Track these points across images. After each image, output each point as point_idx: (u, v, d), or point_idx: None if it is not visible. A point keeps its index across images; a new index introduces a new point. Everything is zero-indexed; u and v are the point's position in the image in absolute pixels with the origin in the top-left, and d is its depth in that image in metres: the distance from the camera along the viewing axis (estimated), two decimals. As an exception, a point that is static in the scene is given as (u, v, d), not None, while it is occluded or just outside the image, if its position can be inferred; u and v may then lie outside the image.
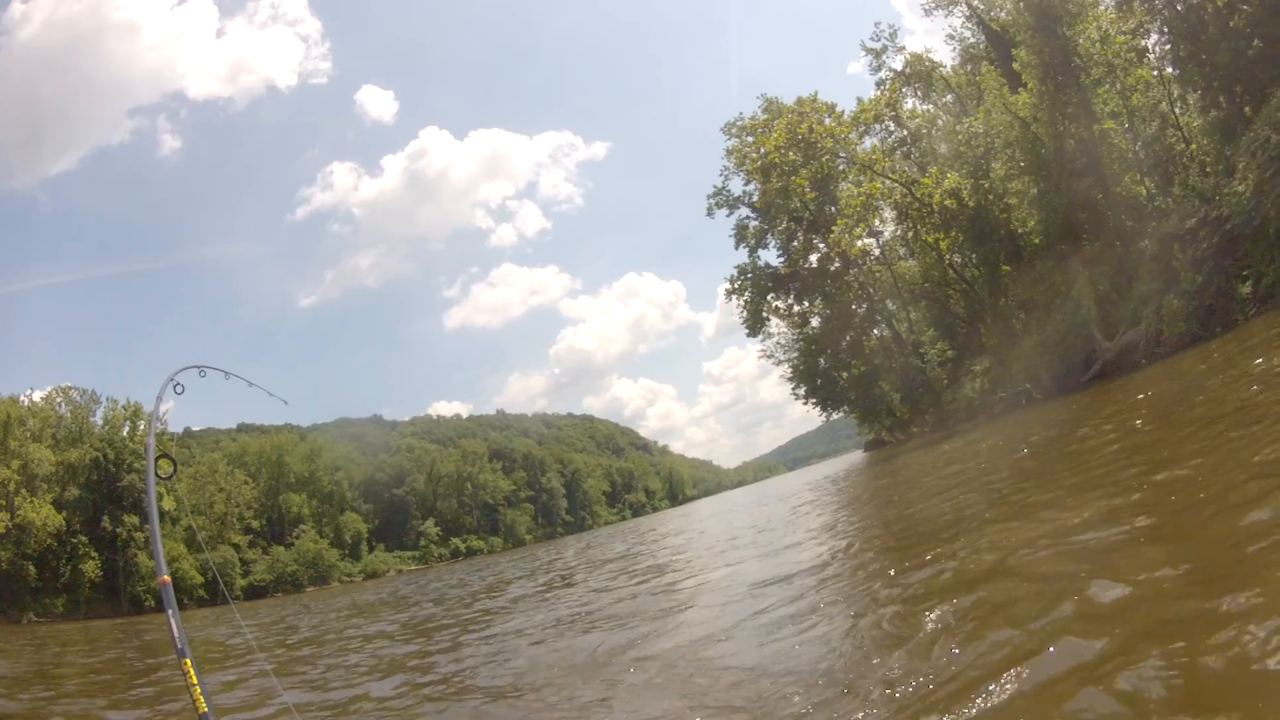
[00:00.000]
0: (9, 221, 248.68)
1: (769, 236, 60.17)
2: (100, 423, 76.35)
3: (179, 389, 3.94)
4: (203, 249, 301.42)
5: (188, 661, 1.53)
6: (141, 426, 75.93)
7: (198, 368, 3.63)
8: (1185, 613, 3.92)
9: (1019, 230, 35.72)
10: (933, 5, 37.80)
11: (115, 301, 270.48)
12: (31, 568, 63.61)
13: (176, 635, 1.69)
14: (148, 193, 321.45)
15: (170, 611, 1.73)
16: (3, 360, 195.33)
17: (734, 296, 60.08)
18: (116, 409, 76.94)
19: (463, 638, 12.34)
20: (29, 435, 69.38)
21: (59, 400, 76.05)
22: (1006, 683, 3.80)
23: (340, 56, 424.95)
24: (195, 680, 1.51)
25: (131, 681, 13.14)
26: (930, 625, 5.14)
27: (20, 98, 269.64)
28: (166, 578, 1.84)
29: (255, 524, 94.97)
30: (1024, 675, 3.81)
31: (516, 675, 7.67)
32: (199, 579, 76.09)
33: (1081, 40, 28.53)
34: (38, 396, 75.44)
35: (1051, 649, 3.97)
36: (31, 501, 64.46)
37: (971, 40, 39.13)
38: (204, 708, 1.55)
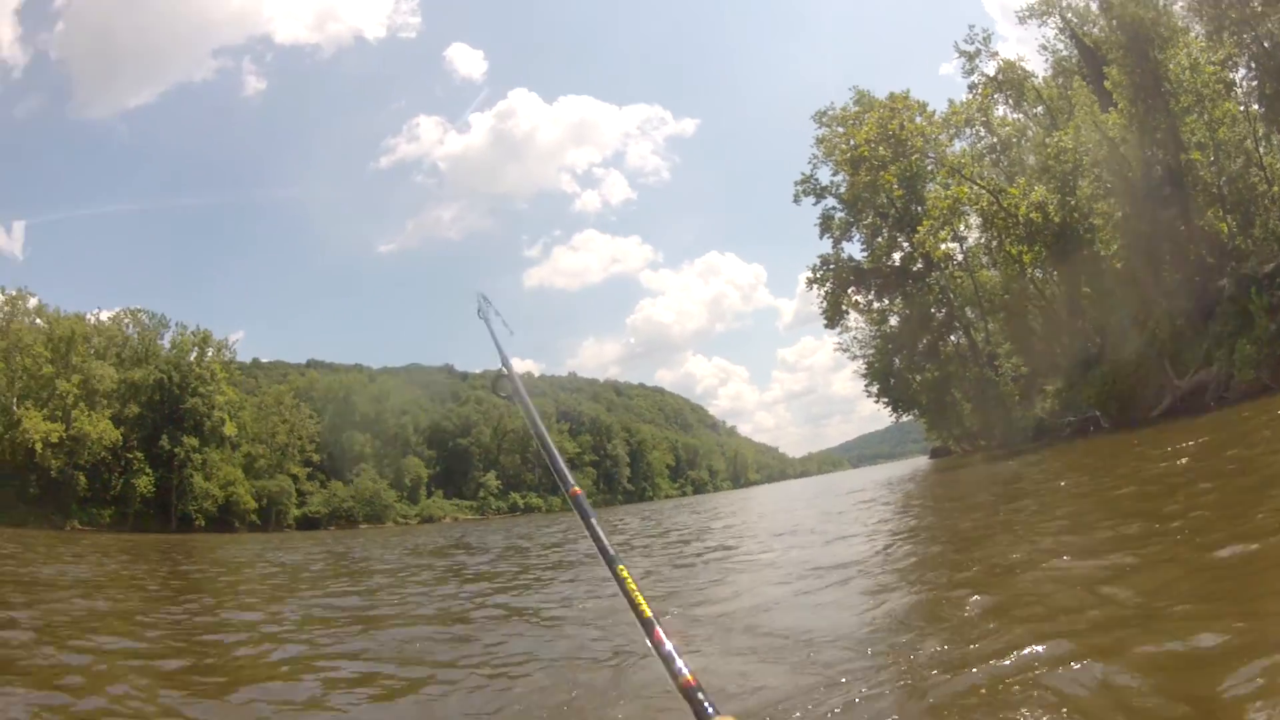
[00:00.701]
0: (85, 149, 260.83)
1: (854, 229, 59.48)
2: (167, 346, 77.82)
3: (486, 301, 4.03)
4: (282, 189, 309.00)
5: (623, 568, 1.65)
6: (210, 353, 78.45)
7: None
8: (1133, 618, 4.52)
9: (1102, 252, 34.57)
10: (1026, 14, 36.64)
11: (190, 233, 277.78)
12: (82, 478, 65.32)
13: (606, 544, 1.82)
14: (229, 131, 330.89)
15: (592, 519, 1.86)
16: (73, 281, 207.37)
17: (815, 286, 59.65)
18: (185, 334, 78.58)
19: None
20: (92, 352, 70.98)
21: (127, 321, 77.64)
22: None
23: (429, 13, 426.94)
24: (634, 586, 1.63)
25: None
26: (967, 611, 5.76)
27: (99, 30, 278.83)
28: (577, 489, 2.00)
29: (315, 458, 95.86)
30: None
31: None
32: (253, 504, 79.12)
33: (1172, 66, 27.34)
34: (105, 317, 76.63)
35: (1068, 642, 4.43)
36: (89, 415, 66.23)
37: (1064, 53, 37.73)
38: (648, 613, 1.68)
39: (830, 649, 5.54)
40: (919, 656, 4.94)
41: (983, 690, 4.03)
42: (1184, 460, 13.40)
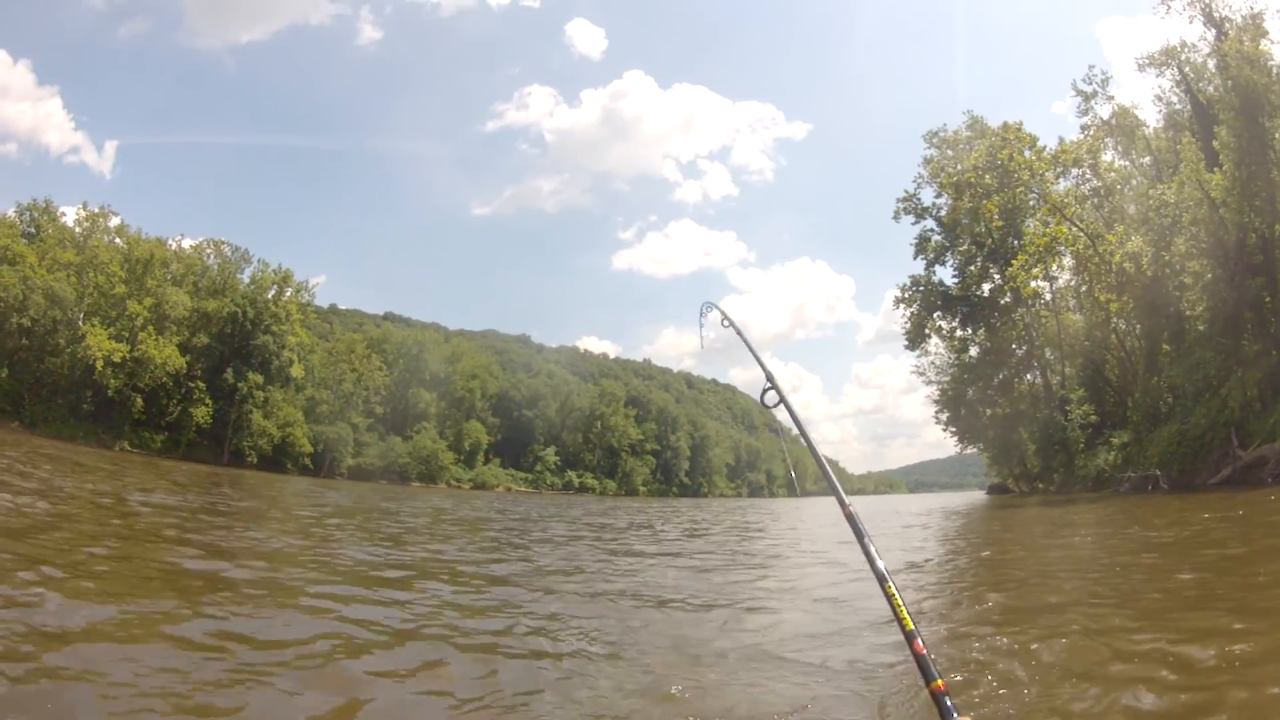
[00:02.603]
0: (189, 77, 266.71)
1: (948, 254, 59.23)
2: (246, 281, 77.18)
3: (709, 309, 4.17)
4: (383, 140, 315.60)
5: (890, 585, 1.63)
6: (289, 293, 77.91)
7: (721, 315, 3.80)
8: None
9: (1187, 312, 34.03)
10: (1146, 62, 35.98)
11: (285, 173, 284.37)
12: (140, 400, 65.29)
13: (878, 561, 1.82)
14: (339, 77, 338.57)
15: (866, 540, 1.77)
16: (159, 206, 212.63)
17: (901, 305, 59.75)
18: (266, 271, 77.95)
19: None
20: (169, 278, 70.54)
21: (209, 251, 77.31)
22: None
23: None
24: (900, 602, 1.61)
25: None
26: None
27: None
28: (851, 509, 1.89)
29: (379, 410, 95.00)
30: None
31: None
32: (308, 448, 79.36)
33: (1278, 135, 26.82)
34: (187, 244, 76.44)
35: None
36: (156, 339, 65.86)
37: (1177, 106, 36.97)
38: (910, 625, 1.69)
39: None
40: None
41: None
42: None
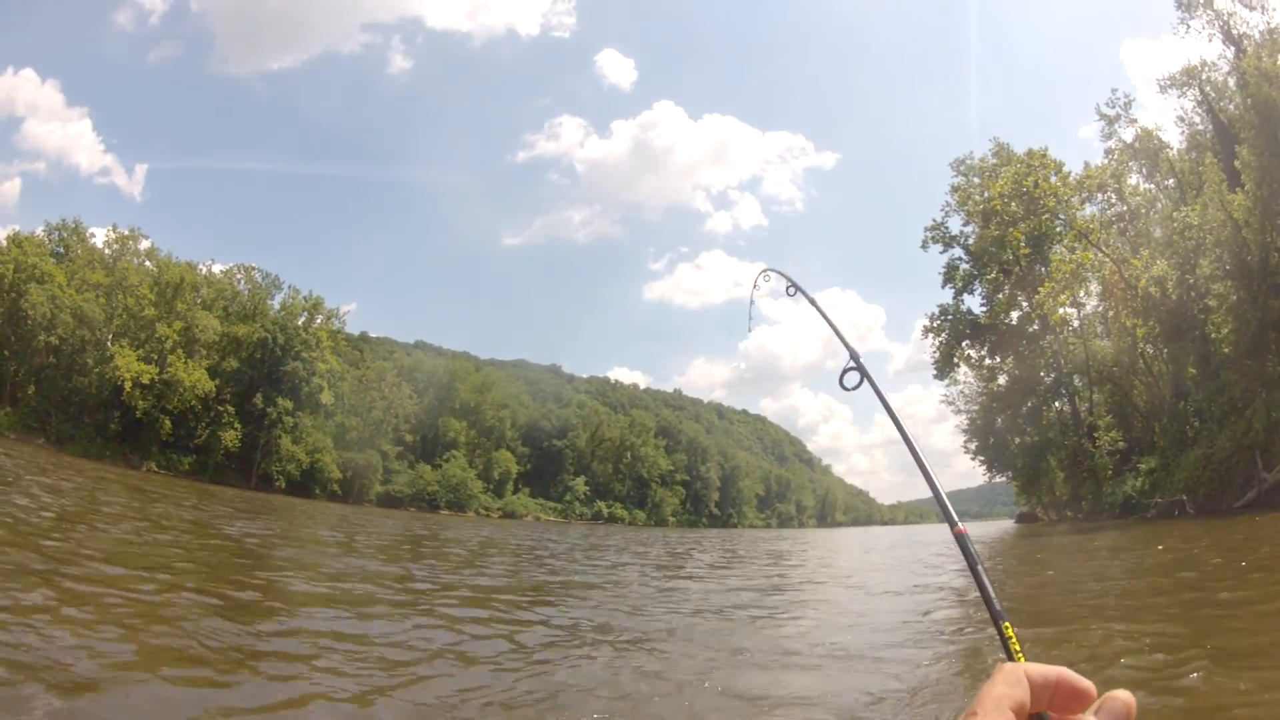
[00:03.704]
0: (220, 104, 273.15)
1: (976, 282, 58.95)
2: (276, 307, 77.42)
3: (767, 278, 4.12)
4: (415, 170, 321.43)
5: (1008, 625, 1.27)
6: (319, 320, 78.28)
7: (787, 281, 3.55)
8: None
9: (1213, 335, 33.63)
10: (1168, 83, 35.96)
11: (316, 201, 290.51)
12: (168, 422, 65.34)
13: (992, 595, 1.39)
14: (370, 106, 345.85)
15: (979, 566, 1.45)
16: (189, 231, 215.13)
17: (930, 335, 59.47)
18: (296, 298, 78.37)
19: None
20: (199, 302, 71.22)
21: (239, 277, 77.87)
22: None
23: (585, 16, 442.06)
24: (1018, 647, 1.23)
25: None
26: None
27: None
28: (963, 528, 1.60)
29: (409, 438, 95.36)
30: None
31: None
32: (337, 474, 79.00)
33: (1298, 153, 26.66)
34: (217, 269, 76.93)
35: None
36: (186, 363, 66.19)
37: (1200, 127, 36.76)
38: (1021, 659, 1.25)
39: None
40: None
41: None
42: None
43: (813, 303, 3.37)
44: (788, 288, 3.63)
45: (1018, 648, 1.29)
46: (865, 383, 2.47)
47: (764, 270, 4.17)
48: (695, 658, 8.02)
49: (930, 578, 17.71)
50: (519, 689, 6.51)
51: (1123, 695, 0.82)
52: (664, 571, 19.38)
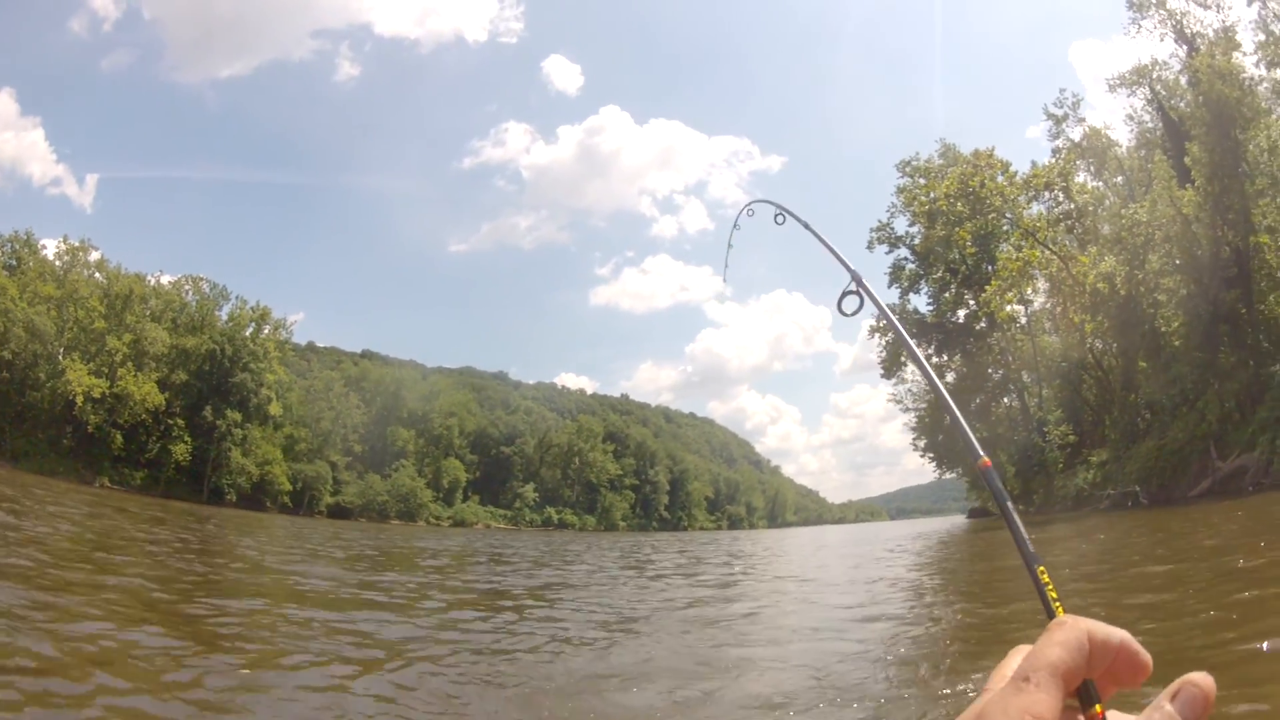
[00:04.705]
0: (170, 112, 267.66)
1: (922, 282, 59.75)
2: (224, 318, 76.79)
3: (751, 213, 3.83)
4: (362, 177, 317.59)
5: (1043, 570, 1.08)
6: (267, 330, 77.22)
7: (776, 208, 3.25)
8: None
9: (1163, 329, 34.38)
10: (1117, 82, 36.73)
11: (263, 209, 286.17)
12: (119, 437, 64.72)
13: (1025, 539, 1.17)
14: (318, 114, 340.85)
15: (1008, 503, 1.23)
16: (139, 241, 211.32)
17: (876, 334, 59.99)
18: (244, 309, 77.48)
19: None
20: (148, 314, 70.21)
21: (187, 288, 76.95)
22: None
23: (533, 22, 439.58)
24: (1055, 595, 1.04)
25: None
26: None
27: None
28: (987, 460, 1.32)
29: (357, 448, 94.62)
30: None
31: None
32: (287, 486, 77.85)
33: (1251, 147, 27.28)
34: (166, 280, 75.95)
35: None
36: (135, 376, 65.25)
37: (1149, 125, 37.67)
38: (1061, 612, 1.01)
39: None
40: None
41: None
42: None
43: (806, 226, 3.05)
44: (776, 215, 3.28)
45: (1055, 595, 1.09)
46: (866, 305, 2.20)
47: (749, 204, 3.85)
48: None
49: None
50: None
51: (1202, 682, 0.65)
52: (689, 578, 19.13)
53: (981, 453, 1.47)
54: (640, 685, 6.90)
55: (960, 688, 5.93)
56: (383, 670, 6.94)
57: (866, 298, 2.25)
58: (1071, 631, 0.66)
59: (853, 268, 2.38)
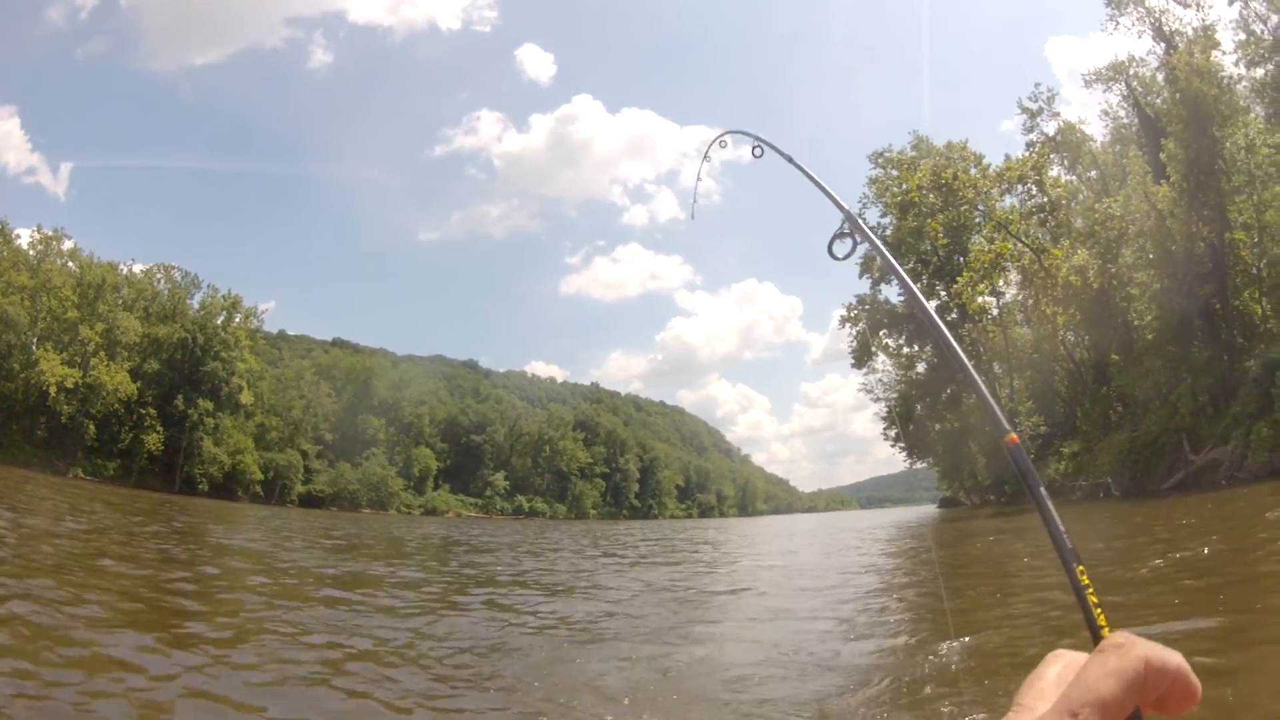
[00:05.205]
0: (144, 100, 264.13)
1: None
2: (196, 307, 76.36)
3: (723, 144, 3.59)
4: (333, 166, 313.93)
5: (1081, 570, 1.05)
6: (238, 319, 76.97)
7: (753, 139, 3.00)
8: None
9: (1135, 322, 34.75)
10: (1093, 78, 36.98)
11: (235, 198, 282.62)
12: (92, 427, 64.60)
13: (1061, 533, 1.14)
14: (290, 101, 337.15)
15: (1041, 490, 1.20)
16: (112, 229, 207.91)
17: (848, 324, 60.26)
18: (215, 297, 77.15)
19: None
20: (120, 303, 69.94)
21: (159, 277, 76.57)
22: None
23: (507, 10, 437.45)
24: (1096, 600, 1.03)
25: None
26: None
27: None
28: (1015, 437, 1.31)
29: (328, 437, 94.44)
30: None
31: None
32: (259, 475, 77.81)
33: (1228, 144, 27.54)
34: (138, 269, 75.50)
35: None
36: (108, 365, 65.12)
37: (1125, 121, 38.00)
38: (1103, 622, 1.04)
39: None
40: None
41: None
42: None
43: (789, 160, 2.99)
44: (754, 148, 3.16)
45: (1096, 601, 1.02)
46: (858, 248, 2.13)
47: (721, 135, 3.67)
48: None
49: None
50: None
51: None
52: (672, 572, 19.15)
53: (1009, 427, 1.46)
54: (622, 666, 7.12)
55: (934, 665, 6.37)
56: (370, 661, 6.87)
57: (861, 239, 2.25)
58: (1128, 660, 0.59)
59: (846, 207, 2.38)
